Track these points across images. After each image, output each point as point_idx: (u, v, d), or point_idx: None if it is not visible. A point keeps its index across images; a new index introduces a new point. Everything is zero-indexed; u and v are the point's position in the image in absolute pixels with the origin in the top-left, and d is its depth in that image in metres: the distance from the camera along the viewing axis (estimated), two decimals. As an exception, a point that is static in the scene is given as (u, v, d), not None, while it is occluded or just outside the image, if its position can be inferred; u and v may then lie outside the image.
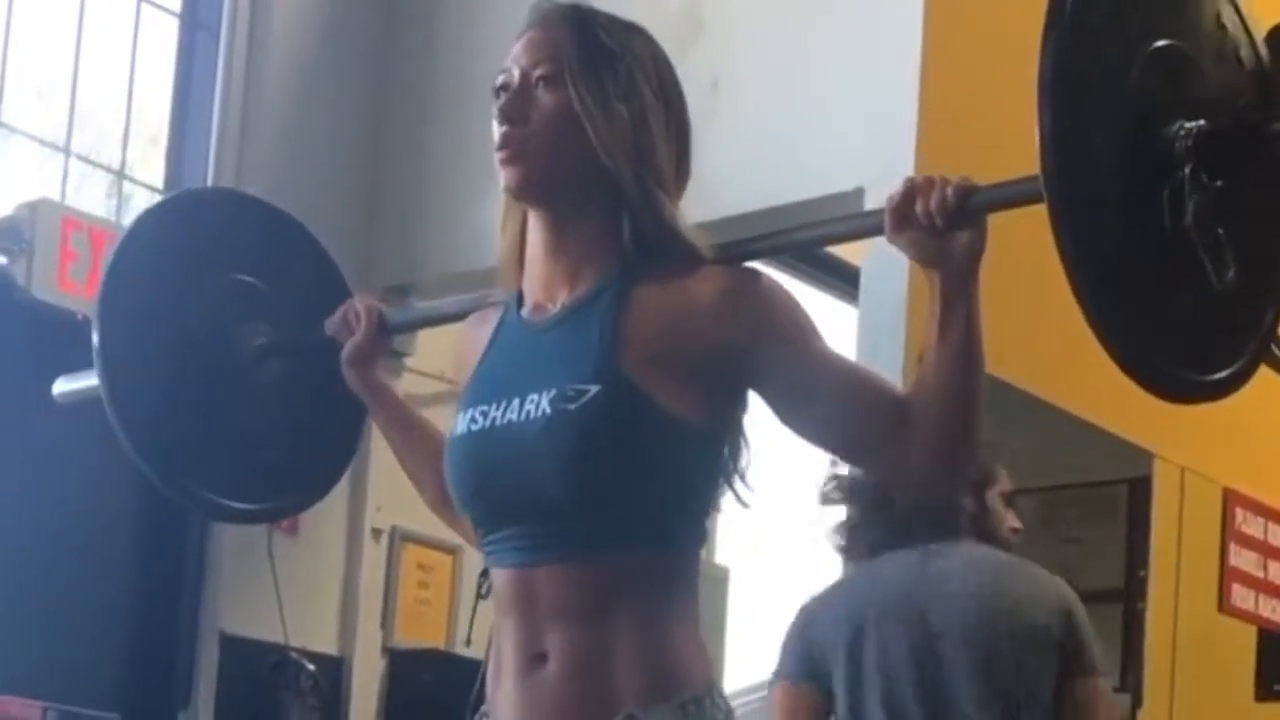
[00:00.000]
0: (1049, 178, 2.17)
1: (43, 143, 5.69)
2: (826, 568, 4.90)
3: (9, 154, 5.61)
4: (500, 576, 2.31)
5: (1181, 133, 2.23)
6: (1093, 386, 5.32)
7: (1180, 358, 2.33)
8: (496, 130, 2.35)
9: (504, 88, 2.35)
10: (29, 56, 5.64)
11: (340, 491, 5.91)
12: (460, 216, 5.72)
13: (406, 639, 6.11)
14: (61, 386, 3.42)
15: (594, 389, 2.22)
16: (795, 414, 2.31)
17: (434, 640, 6.08)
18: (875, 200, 4.94)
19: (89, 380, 3.15)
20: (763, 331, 2.28)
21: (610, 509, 2.24)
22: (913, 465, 2.27)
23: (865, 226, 2.54)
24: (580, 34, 2.34)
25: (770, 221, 5.81)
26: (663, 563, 2.28)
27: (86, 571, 5.50)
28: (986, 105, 4.84)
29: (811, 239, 2.75)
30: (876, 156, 4.95)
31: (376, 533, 6.04)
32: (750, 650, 7.78)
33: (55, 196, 5.54)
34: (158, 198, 5.92)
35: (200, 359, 3.13)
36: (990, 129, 4.69)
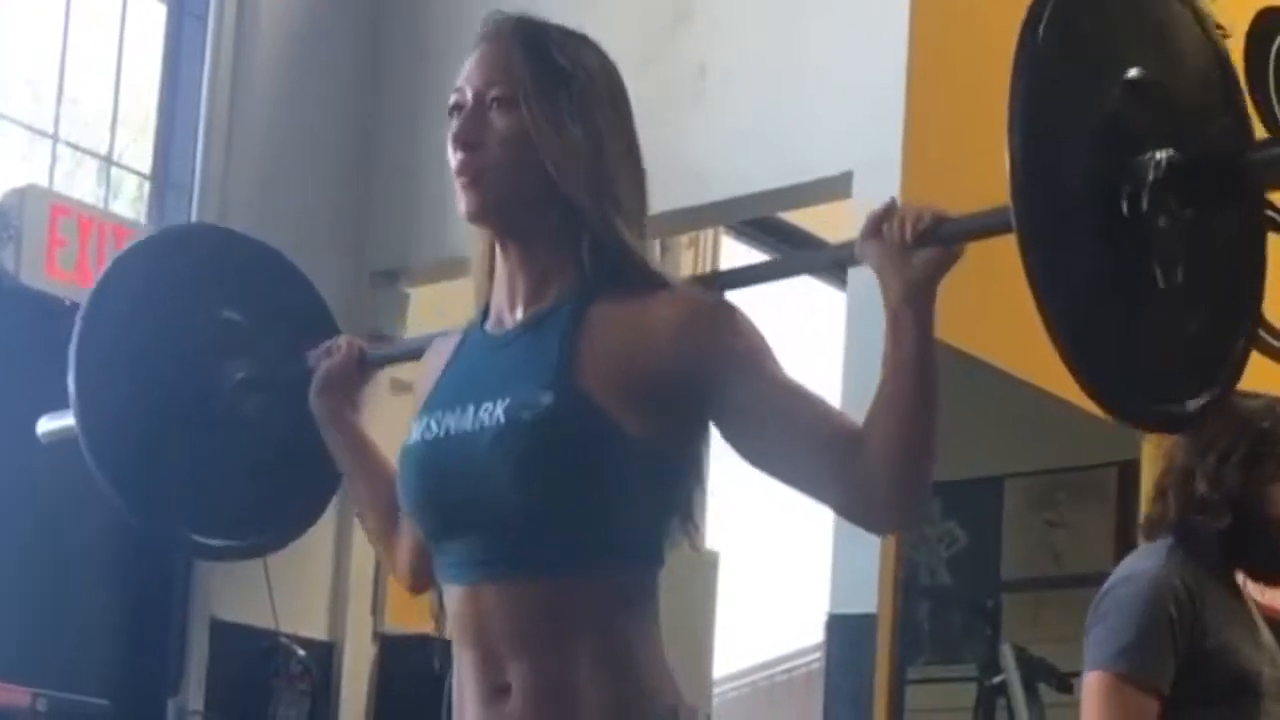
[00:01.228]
0: (1018, 210, 2.17)
1: (31, 129, 5.68)
2: (815, 552, 4.93)
3: (-3, 140, 5.61)
4: (453, 595, 2.27)
5: (1153, 162, 2.23)
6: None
7: (1152, 390, 2.33)
8: (452, 155, 2.33)
9: (458, 107, 2.34)
10: (17, 43, 5.64)
11: (330, 477, 5.95)
12: (451, 202, 5.71)
13: (397, 624, 6.11)
14: (44, 426, 3.42)
15: (549, 400, 2.19)
16: (750, 444, 2.28)
17: (425, 626, 6.05)
18: (863, 185, 4.97)
19: (69, 419, 3.15)
20: (720, 359, 2.25)
21: (562, 523, 2.19)
22: (866, 496, 2.26)
23: (839, 257, 2.53)
24: (533, 52, 2.32)
25: (759, 205, 5.84)
26: (619, 584, 2.23)
27: (76, 558, 5.50)
28: (973, 90, 4.84)
29: (787, 270, 2.73)
30: (865, 141, 4.96)
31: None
32: (741, 635, 7.80)
33: (43, 183, 5.54)
34: (146, 184, 5.93)
35: (180, 395, 3.11)
36: (977, 113, 4.69)
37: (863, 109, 5.00)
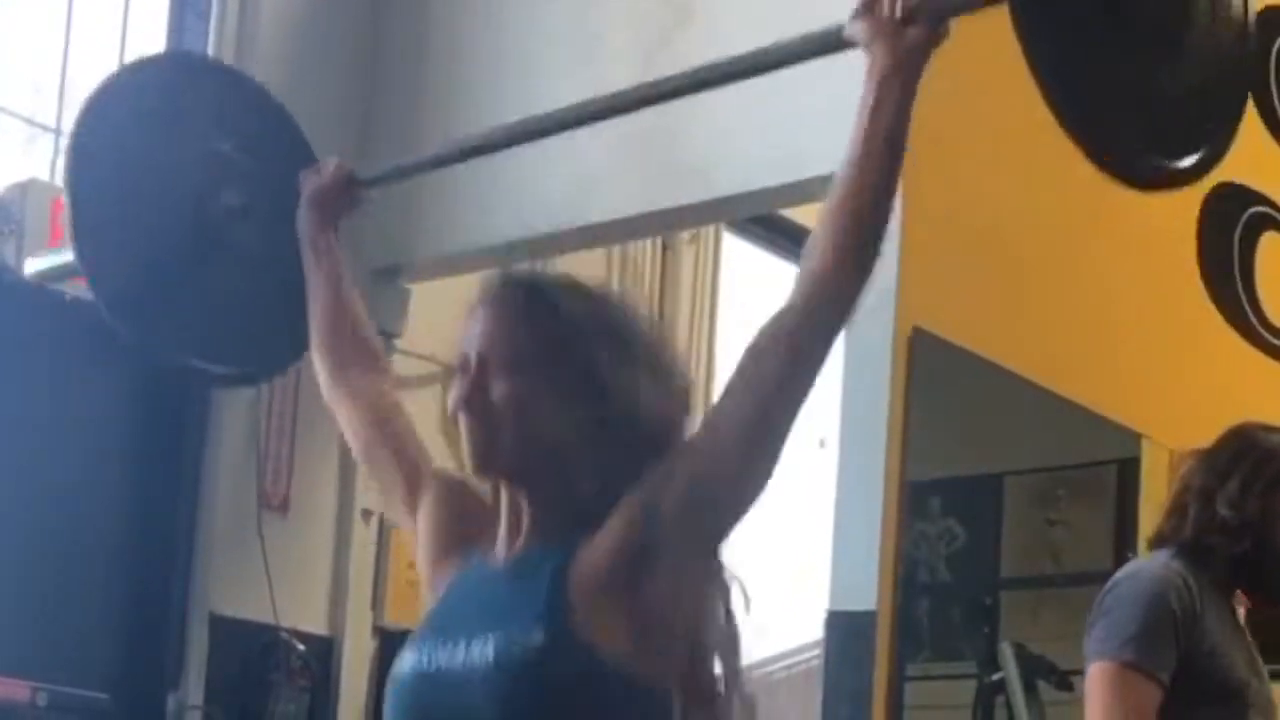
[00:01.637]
0: None
1: (32, 123, 5.68)
2: (814, 549, 4.92)
3: (-2, 134, 5.61)
4: None
5: None
6: (1082, 368, 5.34)
7: (1145, 142, 2.31)
8: (454, 417, 2.35)
9: (462, 369, 2.36)
10: (19, 37, 5.64)
11: (330, 472, 5.96)
12: (451, 197, 5.72)
13: (397, 619, 6.11)
14: (33, 265, 3.41)
15: (538, 641, 2.19)
16: (752, 400, 2.25)
17: (424, 621, 6.08)
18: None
19: (63, 256, 3.13)
20: (661, 481, 2.23)
21: None
22: (831, 262, 2.25)
23: (830, 42, 2.53)
24: (534, 318, 2.33)
25: (761, 202, 5.85)
26: None
27: (76, 552, 5.51)
28: (972, 90, 4.84)
29: (778, 59, 2.71)
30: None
31: (366, 513, 6.04)
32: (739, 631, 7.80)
33: (45, 177, 5.54)
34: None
35: (174, 223, 3.13)
36: (980, 111, 4.69)
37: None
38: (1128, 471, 5.43)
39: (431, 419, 6.26)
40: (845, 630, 4.72)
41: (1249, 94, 2.47)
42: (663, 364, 2.37)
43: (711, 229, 7.26)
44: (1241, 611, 3.77)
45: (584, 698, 2.18)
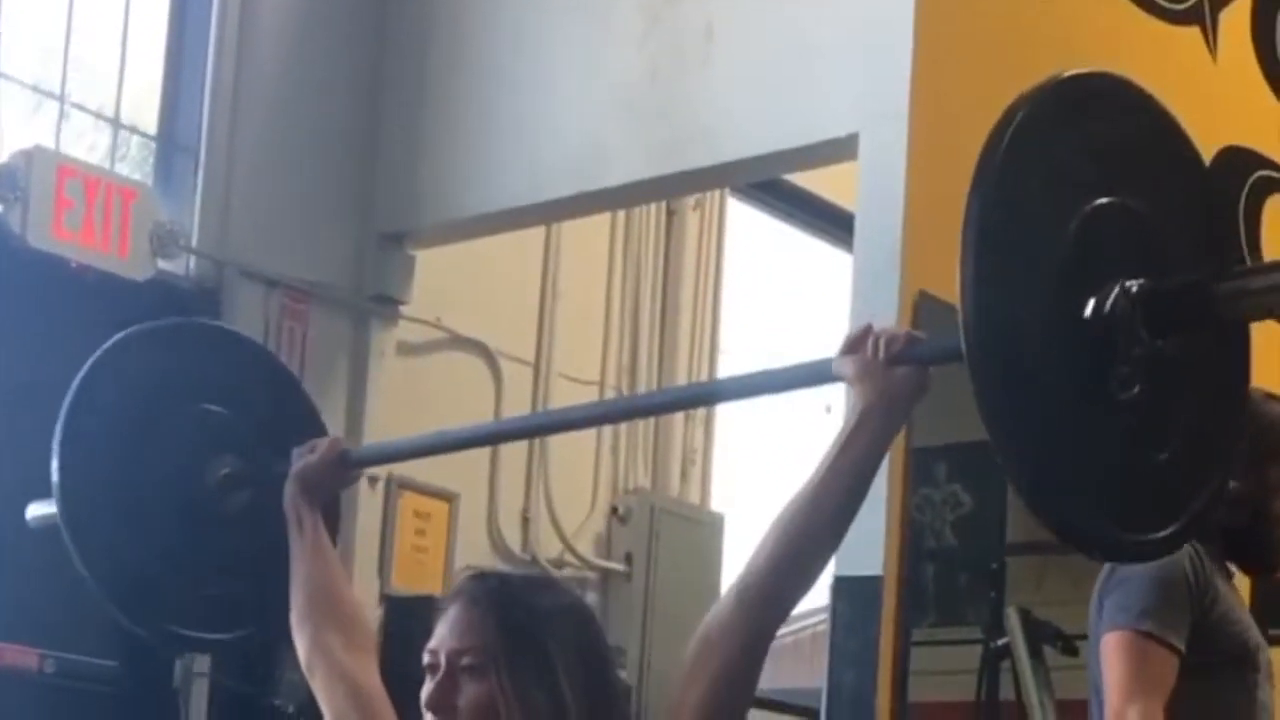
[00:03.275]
0: (969, 350, 2.18)
1: (37, 90, 5.68)
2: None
3: (3, 102, 5.60)
4: None
5: (1121, 290, 2.21)
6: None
7: (1121, 521, 2.31)
8: (427, 716, 2.41)
9: (431, 669, 2.42)
10: (24, 4, 5.63)
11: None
12: (456, 164, 5.72)
13: (403, 586, 6.12)
14: (34, 512, 3.42)
15: None
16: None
17: (430, 588, 6.10)
18: (869, 146, 4.96)
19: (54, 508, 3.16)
20: None
21: None
22: (768, 577, 2.31)
23: (818, 375, 2.51)
24: (504, 623, 2.39)
25: (765, 167, 5.85)
26: None
27: (83, 519, 5.51)
28: (981, 50, 4.83)
29: (771, 385, 2.73)
30: (871, 103, 4.95)
31: (373, 480, 6.05)
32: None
33: (50, 144, 5.54)
34: (152, 145, 5.92)
35: (164, 488, 3.12)
36: (984, 75, 4.69)
37: (869, 71, 4.99)
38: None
39: (434, 384, 6.28)
40: (851, 595, 4.73)
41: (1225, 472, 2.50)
42: (614, 685, 2.49)
43: (716, 194, 7.25)
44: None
45: None
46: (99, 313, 5.44)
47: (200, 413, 3.16)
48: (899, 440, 4.65)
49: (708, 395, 2.61)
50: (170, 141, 5.91)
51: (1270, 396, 3.71)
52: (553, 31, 5.69)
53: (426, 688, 2.41)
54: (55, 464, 3.10)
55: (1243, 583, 3.82)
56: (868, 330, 2.38)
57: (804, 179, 6.84)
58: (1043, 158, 2.22)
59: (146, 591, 3.11)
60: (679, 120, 5.39)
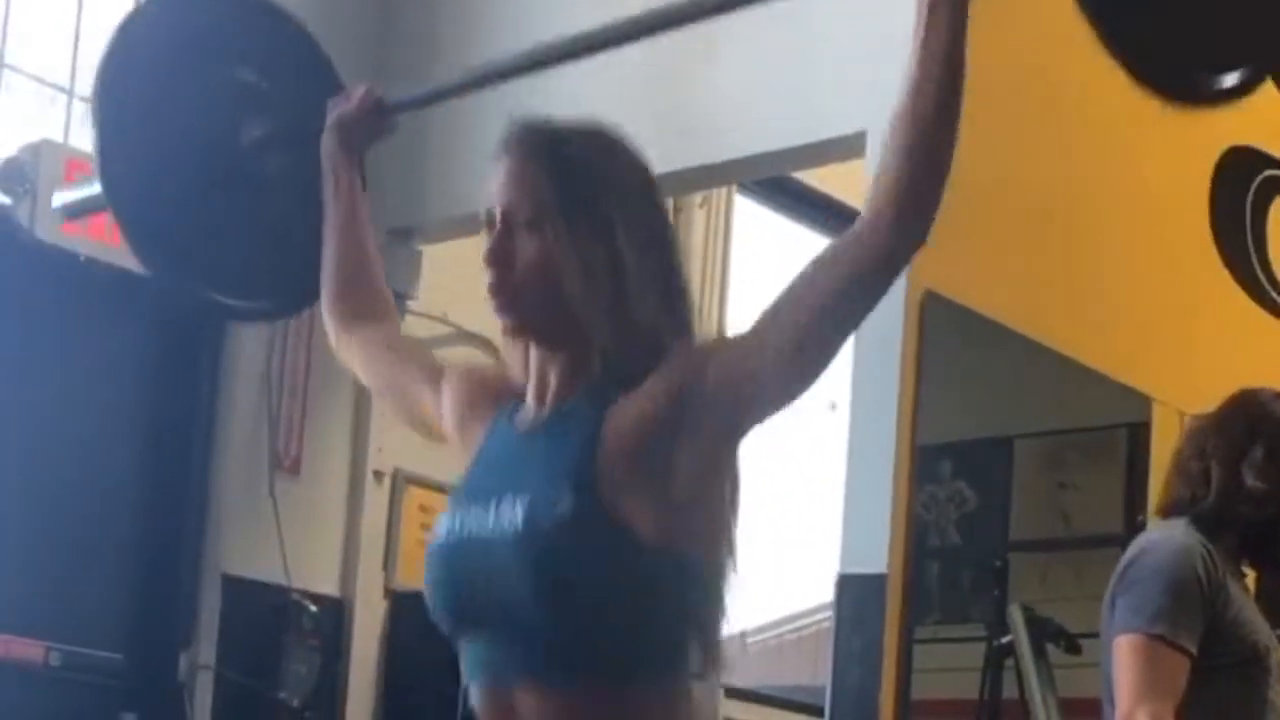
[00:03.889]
0: None
1: (46, 84, 5.68)
2: (825, 512, 4.93)
3: (12, 96, 5.61)
4: (477, 693, 2.32)
5: None
6: (1093, 331, 5.34)
7: (1184, 57, 2.28)
8: (485, 271, 2.37)
9: (489, 225, 2.38)
10: (32, -2, 5.64)
11: (342, 433, 5.98)
12: (463, 159, 5.72)
13: (408, 581, 6.12)
14: (62, 198, 3.41)
15: (565, 507, 2.22)
16: (800, 322, 2.24)
17: (435, 582, 6.09)
18: (876, 144, 4.95)
19: (90, 189, 3.13)
20: (708, 359, 2.28)
21: (580, 629, 2.22)
22: (885, 206, 2.23)
23: None
24: (555, 171, 2.34)
25: (772, 164, 5.84)
26: (642, 692, 2.26)
27: (89, 513, 5.53)
28: (985, 47, 4.83)
29: None
30: (878, 100, 4.91)
31: (379, 474, 6.06)
32: (750, 594, 7.81)
33: (58, 138, 5.55)
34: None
35: (200, 154, 3.11)
36: (990, 72, 4.69)
37: (876, 68, 4.98)
38: (1138, 435, 5.43)
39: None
40: (855, 593, 4.74)
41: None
42: (673, 245, 2.42)
43: (723, 191, 7.25)
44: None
45: (613, 564, 2.21)
46: (106, 306, 5.46)
47: (234, 76, 3.16)
48: (904, 436, 4.70)
49: None
50: (178, 136, 5.92)
51: (1278, 394, 3.73)
52: (558, 26, 5.68)
53: (485, 242, 2.37)
54: (94, 127, 3.06)
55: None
56: None
57: (811, 176, 6.84)
58: None
59: (181, 251, 3.10)
60: (685, 117, 5.39)
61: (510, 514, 2.25)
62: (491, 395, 2.49)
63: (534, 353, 2.39)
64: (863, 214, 2.24)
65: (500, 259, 2.35)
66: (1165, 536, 3.64)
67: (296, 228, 3.08)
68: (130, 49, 3.13)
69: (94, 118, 3.08)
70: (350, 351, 2.80)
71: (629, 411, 2.27)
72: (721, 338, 2.31)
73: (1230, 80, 2.32)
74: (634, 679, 2.25)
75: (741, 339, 2.28)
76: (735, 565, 2.32)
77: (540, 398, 2.38)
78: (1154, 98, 2.27)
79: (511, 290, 2.34)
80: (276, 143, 3.12)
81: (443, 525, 2.37)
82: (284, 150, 3.13)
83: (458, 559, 2.32)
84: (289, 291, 3.27)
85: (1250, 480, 3.63)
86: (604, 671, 2.23)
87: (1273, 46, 2.37)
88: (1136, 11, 2.21)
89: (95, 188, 3.13)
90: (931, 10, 2.27)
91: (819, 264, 2.24)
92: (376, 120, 2.98)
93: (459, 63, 6.05)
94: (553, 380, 2.36)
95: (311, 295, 3.13)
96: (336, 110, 2.94)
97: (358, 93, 2.96)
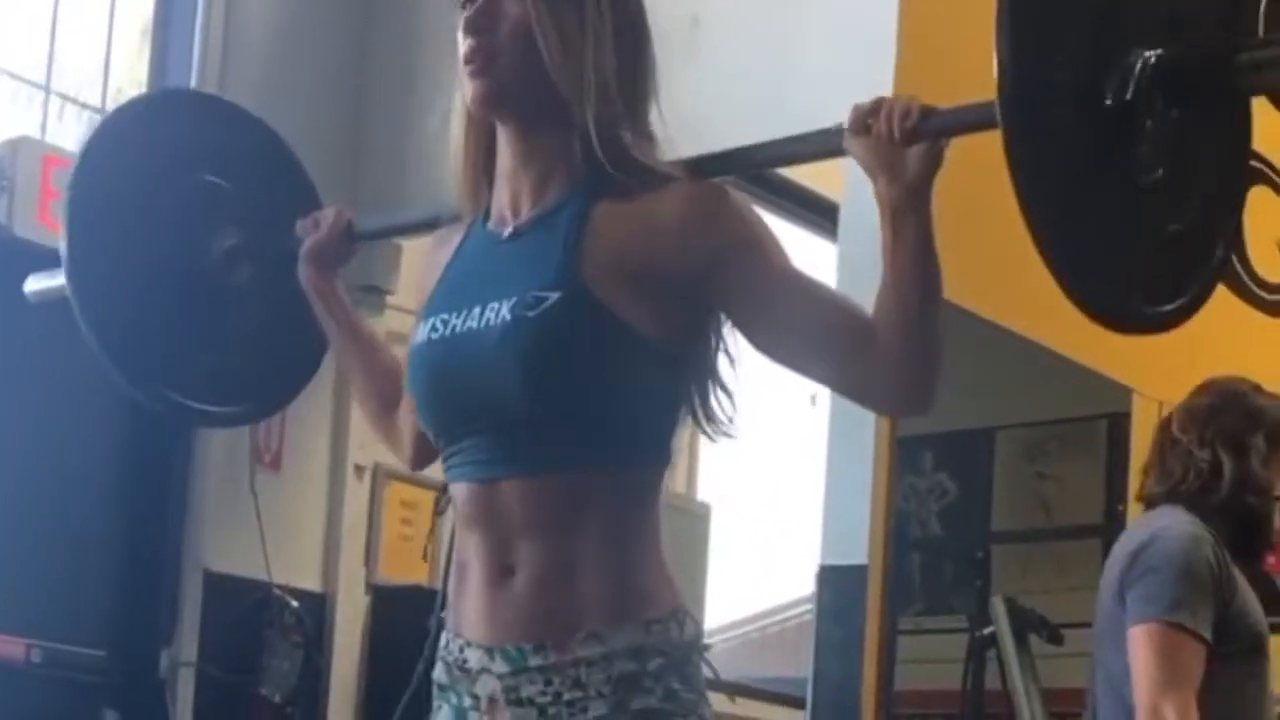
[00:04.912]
0: (1004, 104, 2.17)
1: (23, 80, 5.67)
2: (806, 504, 4.93)
3: (-11, 92, 5.60)
4: (461, 491, 2.32)
5: (1141, 62, 2.21)
6: (1071, 321, 5.34)
7: (1130, 290, 2.32)
8: (463, 42, 2.37)
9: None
10: (8, -6, 5.63)
11: (322, 428, 5.97)
12: (443, 155, 5.70)
13: (390, 576, 6.13)
14: (33, 285, 3.41)
15: (554, 296, 2.23)
16: (761, 330, 2.31)
17: (417, 577, 6.10)
18: (856, 137, 4.96)
19: (59, 279, 3.14)
20: (728, 247, 2.29)
21: (568, 419, 2.24)
22: (879, 386, 2.30)
23: (828, 146, 2.52)
24: None
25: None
26: (625, 479, 2.28)
27: (70, 509, 5.52)
28: (967, 42, 4.83)
29: (776, 157, 2.74)
30: (858, 94, 4.94)
31: (359, 470, 6.06)
32: (732, 587, 7.82)
33: (36, 134, 5.54)
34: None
35: (169, 259, 3.11)
36: (971, 65, 4.69)
37: (856, 63, 4.99)
38: (1118, 425, 5.44)
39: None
40: (837, 585, 4.74)
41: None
42: (646, 28, 2.46)
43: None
44: None
45: (601, 352, 2.24)
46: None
47: (203, 183, 3.16)
48: (884, 429, 4.70)
49: (713, 172, 2.59)
50: (156, 132, 5.91)
51: (1250, 383, 3.73)
52: (539, 22, 5.69)
53: (466, 12, 2.38)
54: (63, 229, 3.06)
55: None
56: (879, 105, 2.35)
57: (794, 172, 6.84)
58: None
59: (147, 355, 3.10)
60: (665, 111, 5.38)
61: (497, 313, 2.26)
62: (448, 244, 2.50)
63: (506, 154, 2.39)
64: (876, 346, 2.28)
65: (482, 26, 2.35)
66: (1173, 524, 3.63)
67: (266, 333, 3.12)
68: (103, 156, 3.13)
69: (64, 223, 3.08)
70: (390, 433, 2.83)
71: (630, 228, 2.29)
72: (744, 225, 2.35)
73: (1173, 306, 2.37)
74: (621, 464, 2.28)
75: (769, 280, 2.32)
76: (731, 360, 2.37)
77: (514, 203, 2.38)
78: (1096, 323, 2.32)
79: (491, 51, 2.35)
80: (247, 254, 3.13)
81: (422, 328, 2.37)
82: (254, 260, 3.14)
83: (445, 355, 2.31)
84: (259, 397, 3.28)
85: (1259, 470, 3.64)
86: (590, 460, 2.26)
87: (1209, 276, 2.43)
88: (1085, 240, 2.24)
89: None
90: (895, 223, 2.31)
91: (830, 329, 2.30)
92: (347, 245, 2.98)
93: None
94: (526, 182, 2.37)
95: (282, 399, 3.16)
96: (309, 241, 2.94)
97: (327, 219, 2.95)
